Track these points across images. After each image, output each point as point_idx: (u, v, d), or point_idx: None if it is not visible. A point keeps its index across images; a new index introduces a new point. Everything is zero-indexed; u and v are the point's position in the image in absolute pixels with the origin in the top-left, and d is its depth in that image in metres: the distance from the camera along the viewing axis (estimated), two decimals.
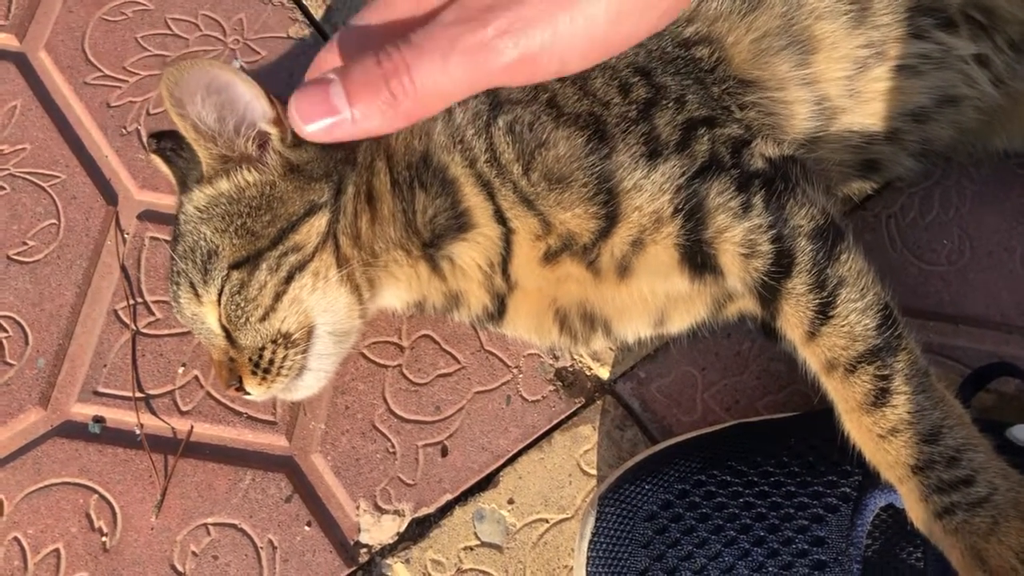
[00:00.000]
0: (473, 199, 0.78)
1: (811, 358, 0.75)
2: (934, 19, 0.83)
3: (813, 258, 0.74)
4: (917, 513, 0.69)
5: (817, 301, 0.73)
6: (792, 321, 0.74)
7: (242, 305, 0.76)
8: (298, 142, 0.78)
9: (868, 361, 0.71)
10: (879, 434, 0.70)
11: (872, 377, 0.71)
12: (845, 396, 0.72)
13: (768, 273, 0.74)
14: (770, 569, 0.73)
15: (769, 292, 0.75)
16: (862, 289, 0.73)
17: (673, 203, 0.75)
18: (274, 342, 0.77)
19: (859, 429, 0.72)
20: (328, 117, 0.57)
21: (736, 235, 0.75)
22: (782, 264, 0.74)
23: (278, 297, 0.76)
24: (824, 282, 0.73)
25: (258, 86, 0.76)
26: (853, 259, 0.75)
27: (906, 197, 0.98)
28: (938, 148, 0.90)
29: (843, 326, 0.72)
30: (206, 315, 0.78)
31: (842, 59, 0.82)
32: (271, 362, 0.78)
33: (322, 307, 0.79)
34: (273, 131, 0.77)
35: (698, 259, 0.77)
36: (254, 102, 0.77)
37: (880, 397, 0.70)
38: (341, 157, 0.79)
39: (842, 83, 0.83)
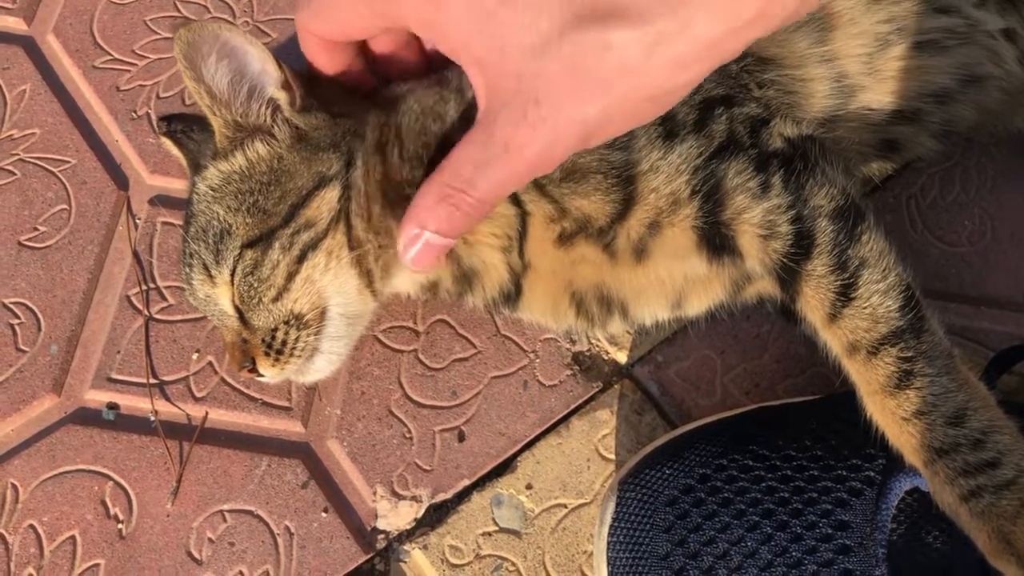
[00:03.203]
0: None
1: (832, 341, 0.74)
2: None
3: (834, 239, 0.73)
4: (943, 496, 0.68)
5: (839, 283, 0.72)
6: (813, 303, 0.73)
7: (255, 285, 0.75)
8: (306, 107, 0.77)
9: (891, 343, 0.70)
10: (903, 417, 0.69)
11: (895, 359, 0.70)
12: (868, 379, 0.71)
13: (787, 255, 0.73)
14: (793, 554, 0.72)
15: (789, 274, 0.74)
16: (884, 270, 0.72)
17: (690, 184, 0.74)
18: (287, 323, 0.76)
19: (882, 412, 0.71)
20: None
21: (755, 216, 0.73)
22: (802, 245, 0.73)
23: (291, 277, 0.75)
24: (845, 263, 0.72)
25: (267, 51, 0.75)
26: (874, 239, 0.73)
27: (926, 178, 0.96)
28: (960, 129, 0.88)
29: (865, 308, 0.71)
30: (219, 296, 0.78)
31: (861, 35, 0.81)
32: (284, 343, 0.77)
33: (334, 288, 0.78)
34: (282, 95, 0.76)
35: (716, 241, 0.76)
36: (265, 66, 0.76)
37: (903, 379, 0.69)
38: (349, 127, 0.78)
39: (861, 60, 0.81)
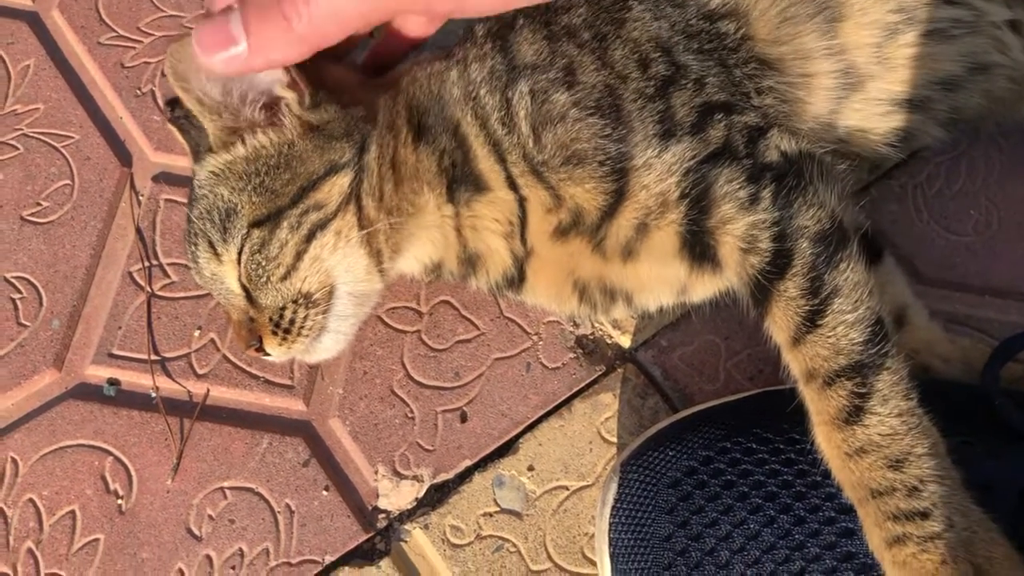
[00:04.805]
0: (484, 162, 0.77)
1: (792, 364, 0.73)
2: None
3: (811, 262, 0.72)
4: (870, 537, 0.68)
5: (807, 307, 0.71)
6: (779, 324, 0.73)
7: (263, 264, 0.75)
8: (316, 103, 0.77)
9: (848, 376, 0.69)
10: (846, 452, 0.69)
11: (849, 393, 0.69)
12: (819, 408, 0.71)
13: (762, 271, 0.72)
14: (796, 536, 0.72)
15: (761, 292, 0.73)
16: (855, 301, 0.71)
17: (680, 186, 0.73)
18: (295, 302, 0.76)
19: (828, 443, 0.70)
20: (227, 48, 0.63)
21: (738, 228, 0.73)
22: (778, 264, 0.72)
23: (299, 256, 0.75)
24: (818, 289, 0.71)
25: None
26: (853, 269, 0.72)
27: (933, 167, 0.96)
28: (967, 117, 0.88)
29: (829, 337, 0.70)
30: (226, 274, 0.77)
31: (871, 25, 0.81)
32: (292, 322, 0.76)
33: (343, 267, 0.78)
34: (289, 95, 0.76)
35: (697, 249, 0.75)
36: None
37: (853, 415, 0.68)
38: (361, 115, 0.78)
39: (871, 50, 0.81)
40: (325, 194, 0.76)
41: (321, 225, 0.76)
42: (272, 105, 0.77)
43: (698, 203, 0.73)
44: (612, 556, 0.75)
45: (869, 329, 0.70)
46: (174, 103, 0.95)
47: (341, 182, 0.76)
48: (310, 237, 0.75)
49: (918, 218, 0.94)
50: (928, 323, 0.84)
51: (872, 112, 0.84)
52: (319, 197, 0.76)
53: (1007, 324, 0.89)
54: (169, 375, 0.90)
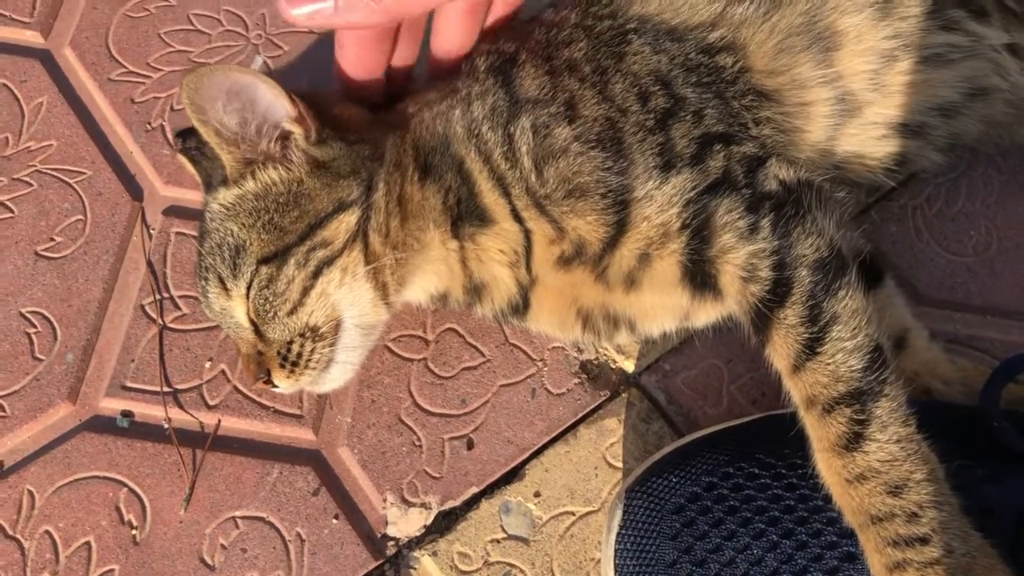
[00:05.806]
0: (489, 196, 0.78)
1: (793, 391, 0.74)
2: (966, 9, 0.82)
3: (810, 290, 0.72)
4: (872, 562, 0.69)
5: (806, 335, 0.72)
6: (780, 352, 0.74)
7: (270, 299, 0.76)
8: (323, 139, 0.78)
9: (847, 403, 0.70)
10: (846, 478, 0.69)
11: (848, 420, 0.70)
12: (819, 435, 0.71)
13: (762, 300, 0.73)
14: (799, 561, 0.73)
15: (761, 320, 0.74)
16: (854, 329, 0.72)
17: (681, 217, 0.75)
18: (302, 335, 0.78)
19: (829, 470, 0.71)
20: (315, 2, 0.68)
21: (739, 257, 0.74)
22: (777, 293, 0.73)
23: (306, 292, 0.77)
24: (817, 317, 0.72)
25: (279, 85, 0.76)
26: (852, 296, 0.73)
27: (932, 188, 0.97)
28: (965, 142, 0.89)
29: (828, 364, 0.71)
30: (235, 309, 0.79)
31: (867, 52, 0.81)
32: (299, 355, 0.78)
33: (349, 301, 0.79)
34: (296, 129, 0.77)
35: (698, 278, 0.76)
36: (275, 102, 0.76)
37: (853, 441, 0.69)
38: (368, 154, 0.80)
39: (867, 77, 0.82)
40: (332, 232, 0.77)
41: (328, 261, 0.77)
42: (286, 138, 0.78)
43: (699, 233, 0.74)
44: None
45: (868, 356, 0.71)
46: (184, 134, 0.97)
47: (349, 220, 0.78)
48: (317, 273, 0.77)
49: (918, 239, 0.95)
50: (928, 345, 0.85)
51: (869, 137, 0.85)
52: (326, 235, 0.77)
53: (1008, 344, 0.89)
54: (181, 406, 0.92)
